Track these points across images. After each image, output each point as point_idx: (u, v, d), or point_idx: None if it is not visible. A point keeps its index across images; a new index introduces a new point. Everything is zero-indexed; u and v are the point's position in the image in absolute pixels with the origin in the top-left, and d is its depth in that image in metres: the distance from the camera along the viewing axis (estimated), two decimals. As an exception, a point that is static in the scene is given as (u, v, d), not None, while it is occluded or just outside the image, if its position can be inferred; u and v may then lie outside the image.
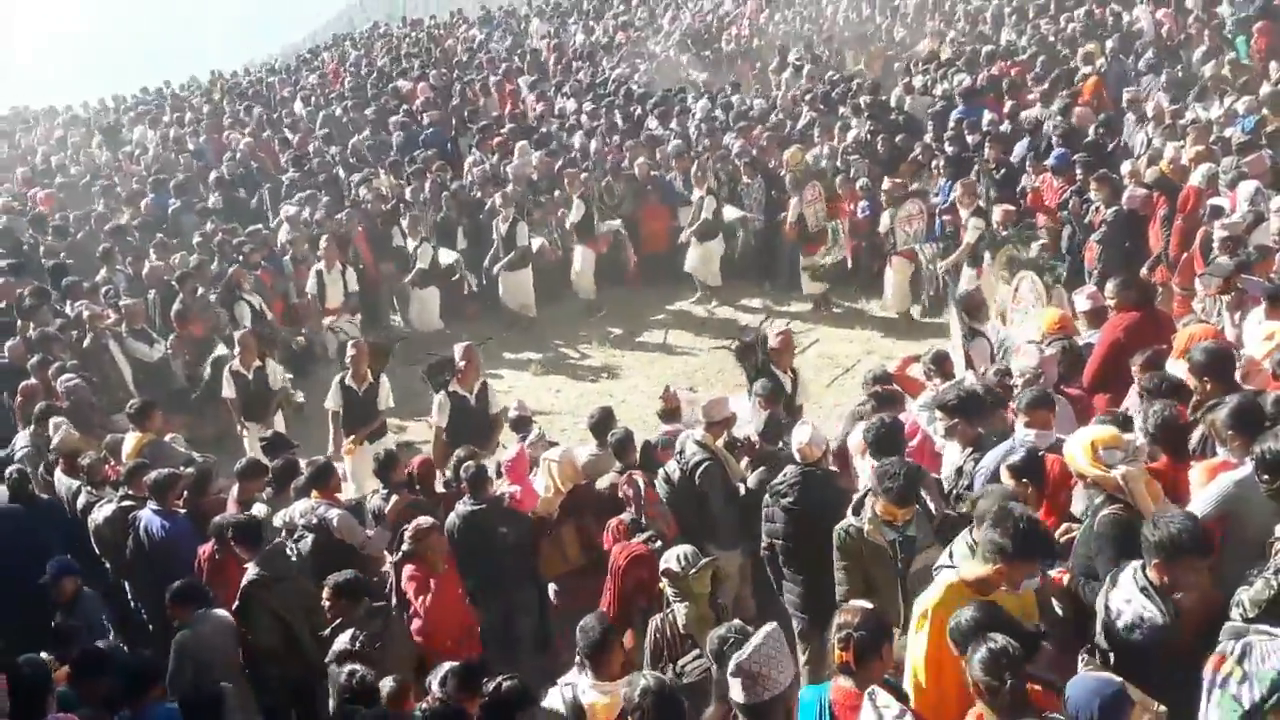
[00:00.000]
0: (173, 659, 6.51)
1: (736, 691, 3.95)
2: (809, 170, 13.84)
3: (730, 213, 14.32)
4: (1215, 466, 5.48)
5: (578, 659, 5.41)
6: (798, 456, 6.69)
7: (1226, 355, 6.44)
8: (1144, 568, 4.53)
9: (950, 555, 5.11)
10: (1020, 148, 13.46)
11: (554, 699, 5.36)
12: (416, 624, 6.88)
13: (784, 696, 3.97)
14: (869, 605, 4.61)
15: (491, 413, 9.82)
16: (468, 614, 7.17)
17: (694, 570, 5.95)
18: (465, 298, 14.72)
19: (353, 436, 9.98)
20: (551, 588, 7.85)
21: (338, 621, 6.41)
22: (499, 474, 8.22)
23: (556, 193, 14.86)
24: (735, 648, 4.31)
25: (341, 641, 6.22)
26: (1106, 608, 4.63)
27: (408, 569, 6.97)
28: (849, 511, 5.91)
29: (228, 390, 10.76)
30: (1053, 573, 5.13)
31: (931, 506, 6.10)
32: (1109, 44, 16.17)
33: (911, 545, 5.66)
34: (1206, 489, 5.30)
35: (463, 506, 7.57)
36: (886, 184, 13.01)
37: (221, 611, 6.88)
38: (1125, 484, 5.03)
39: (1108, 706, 3.80)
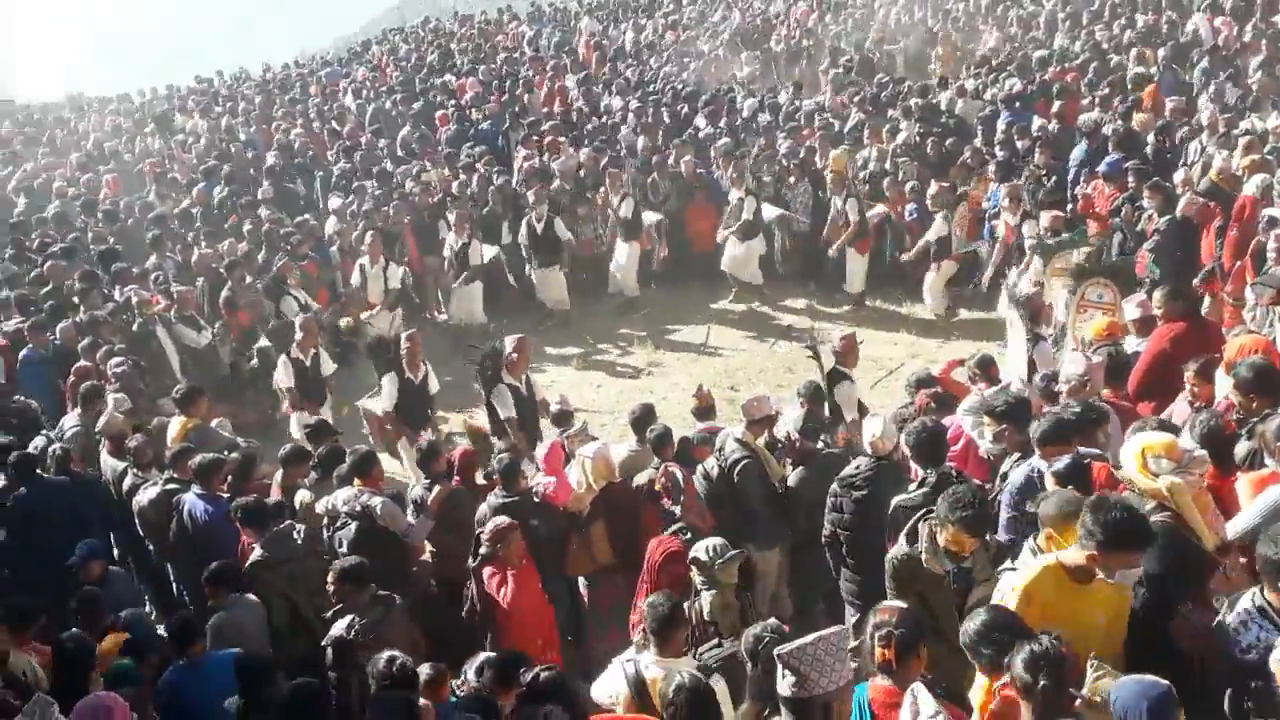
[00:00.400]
0: (209, 639, 6.59)
1: (781, 683, 3.93)
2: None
3: (769, 212, 14.25)
4: (1264, 479, 5.40)
5: (642, 635, 5.45)
6: (869, 449, 6.86)
7: (1272, 371, 6.33)
8: (1261, 590, 4.40)
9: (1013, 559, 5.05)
10: (1077, 152, 13.31)
11: (615, 674, 5.37)
12: (505, 625, 6.80)
13: (825, 699, 3.91)
14: (905, 604, 4.58)
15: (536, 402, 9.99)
16: (551, 612, 7.08)
17: (721, 561, 5.98)
18: (508, 291, 14.80)
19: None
20: (582, 582, 7.89)
21: (338, 606, 6.45)
22: (536, 467, 8.25)
23: (601, 190, 14.85)
24: (770, 647, 4.31)
25: (338, 628, 6.23)
26: (1224, 627, 4.50)
27: (487, 570, 6.90)
28: (902, 537, 5.64)
29: (284, 377, 10.76)
30: None
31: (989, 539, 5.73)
32: (1161, 52, 15.96)
33: (967, 576, 5.32)
34: (1255, 501, 5.22)
35: (494, 499, 7.60)
36: (934, 188, 12.96)
37: (253, 595, 6.96)
38: (1171, 495, 4.93)
39: (1156, 708, 3.67)
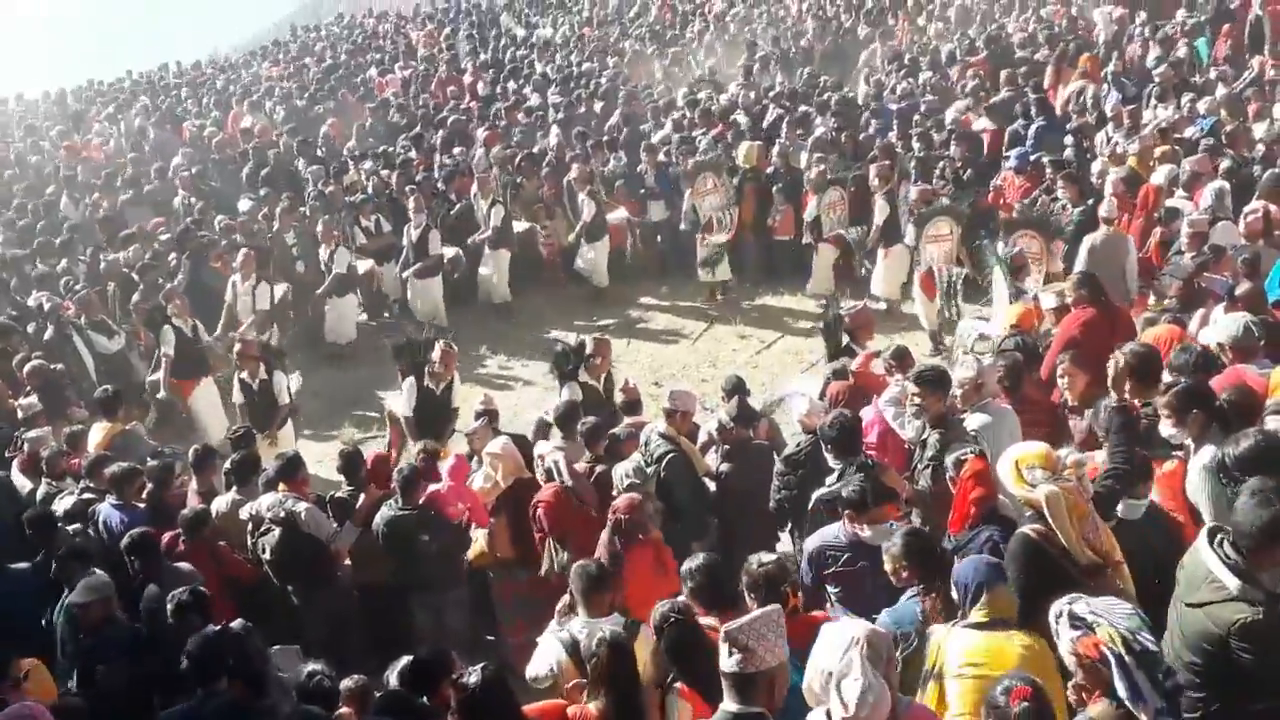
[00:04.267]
0: None
1: (726, 660, 3.99)
2: (702, 164, 13.86)
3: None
4: (1172, 472, 5.70)
5: (568, 601, 5.56)
6: (800, 427, 7.28)
7: (1156, 360, 6.49)
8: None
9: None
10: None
11: (549, 646, 5.39)
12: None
13: (768, 674, 3.98)
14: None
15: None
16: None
17: (639, 482, 6.68)
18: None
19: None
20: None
21: None
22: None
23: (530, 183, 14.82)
24: (675, 629, 4.78)
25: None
26: None
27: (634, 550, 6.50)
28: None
29: (236, 397, 10.52)
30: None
31: None
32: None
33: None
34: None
35: (387, 510, 7.50)
36: (813, 173, 13.27)
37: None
38: (1046, 506, 4.90)
39: (985, 574, 4.53)
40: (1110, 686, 3.92)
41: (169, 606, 6.15)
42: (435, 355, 9.82)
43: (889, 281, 12.86)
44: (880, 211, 12.52)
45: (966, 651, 4.50)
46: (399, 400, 10.13)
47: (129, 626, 6.45)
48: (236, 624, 5.89)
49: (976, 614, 4.56)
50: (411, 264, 13.86)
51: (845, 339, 9.25)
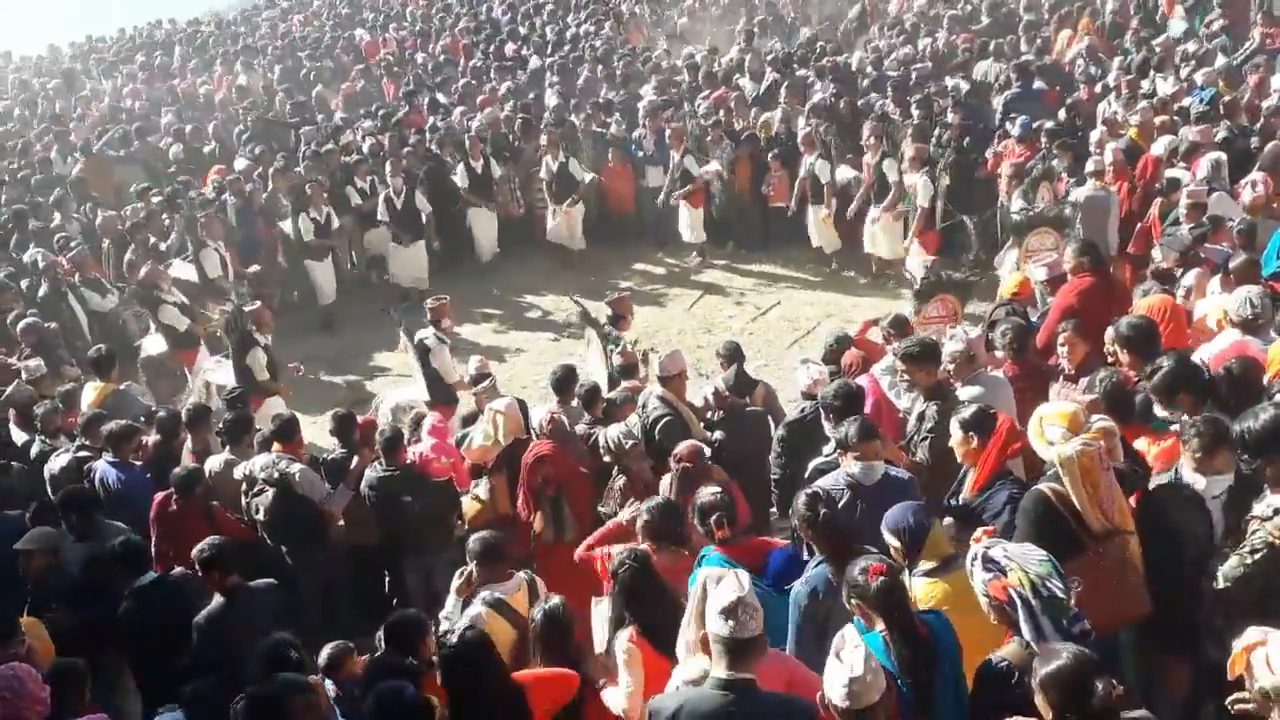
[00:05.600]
0: None
1: (722, 625, 4.04)
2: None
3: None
4: (1167, 450, 5.67)
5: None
6: (802, 394, 7.24)
7: (1153, 331, 6.56)
8: None
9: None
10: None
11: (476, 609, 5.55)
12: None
13: (760, 640, 4.11)
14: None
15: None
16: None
17: (630, 443, 6.87)
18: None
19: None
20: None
21: None
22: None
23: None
24: (629, 573, 5.02)
25: None
26: None
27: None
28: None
29: (260, 367, 10.26)
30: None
31: None
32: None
33: None
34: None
35: (372, 473, 7.53)
36: (802, 134, 13.28)
37: None
38: (1062, 467, 4.98)
39: (918, 520, 4.77)
40: (1016, 626, 4.09)
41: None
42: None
43: (887, 243, 12.80)
44: (871, 169, 12.52)
45: (930, 600, 4.65)
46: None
47: (71, 577, 6.58)
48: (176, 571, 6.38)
49: (925, 562, 4.75)
50: (390, 229, 13.80)
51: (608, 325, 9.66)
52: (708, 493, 5.57)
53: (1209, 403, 5.65)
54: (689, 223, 14.17)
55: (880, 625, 4.21)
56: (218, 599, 6.09)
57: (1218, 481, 5.15)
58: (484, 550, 5.88)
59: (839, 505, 5.35)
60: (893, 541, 4.83)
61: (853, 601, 4.31)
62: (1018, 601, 4.05)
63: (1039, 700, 3.68)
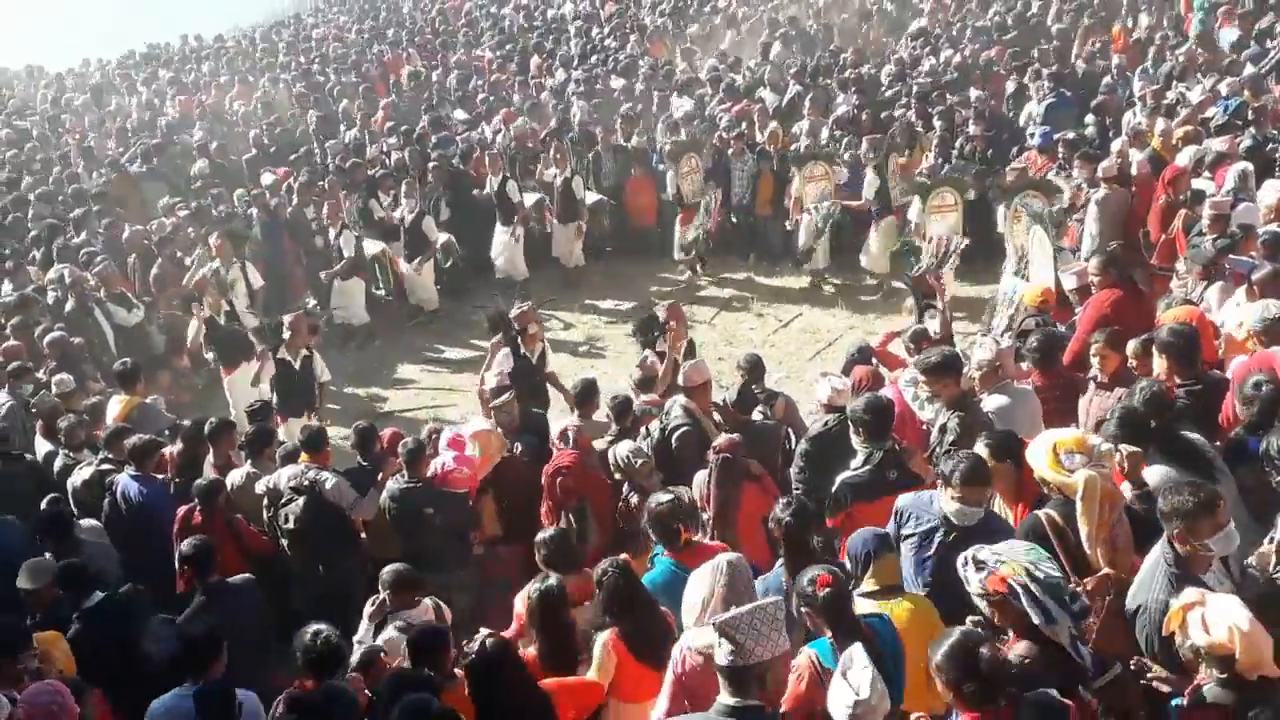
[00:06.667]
0: None
1: (718, 651, 3.95)
2: (684, 144, 13.86)
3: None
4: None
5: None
6: (824, 405, 7.13)
7: (1196, 339, 6.48)
8: None
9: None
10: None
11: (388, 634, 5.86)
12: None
13: (761, 668, 3.91)
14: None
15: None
16: None
17: (640, 461, 6.94)
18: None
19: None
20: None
21: None
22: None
23: (542, 161, 14.71)
24: (611, 579, 5.14)
25: None
26: None
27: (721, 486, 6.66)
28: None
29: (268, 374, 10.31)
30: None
31: None
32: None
33: None
34: None
35: (394, 484, 7.52)
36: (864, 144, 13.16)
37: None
38: (1084, 490, 4.89)
39: (873, 544, 4.84)
40: (1023, 617, 4.10)
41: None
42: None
43: (878, 255, 12.83)
44: (870, 185, 12.60)
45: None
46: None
47: (76, 601, 6.49)
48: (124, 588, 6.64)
49: (867, 583, 4.83)
50: (405, 250, 13.69)
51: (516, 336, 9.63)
52: (663, 499, 5.79)
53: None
54: (678, 241, 14.09)
55: (828, 632, 4.35)
56: (199, 597, 6.38)
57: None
58: (395, 581, 6.21)
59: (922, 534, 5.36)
60: (849, 559, 4.98)
61: (802, 610, 4.43)
62: (1019, 590, 4.10)
63: (939, 685, 3.86)
